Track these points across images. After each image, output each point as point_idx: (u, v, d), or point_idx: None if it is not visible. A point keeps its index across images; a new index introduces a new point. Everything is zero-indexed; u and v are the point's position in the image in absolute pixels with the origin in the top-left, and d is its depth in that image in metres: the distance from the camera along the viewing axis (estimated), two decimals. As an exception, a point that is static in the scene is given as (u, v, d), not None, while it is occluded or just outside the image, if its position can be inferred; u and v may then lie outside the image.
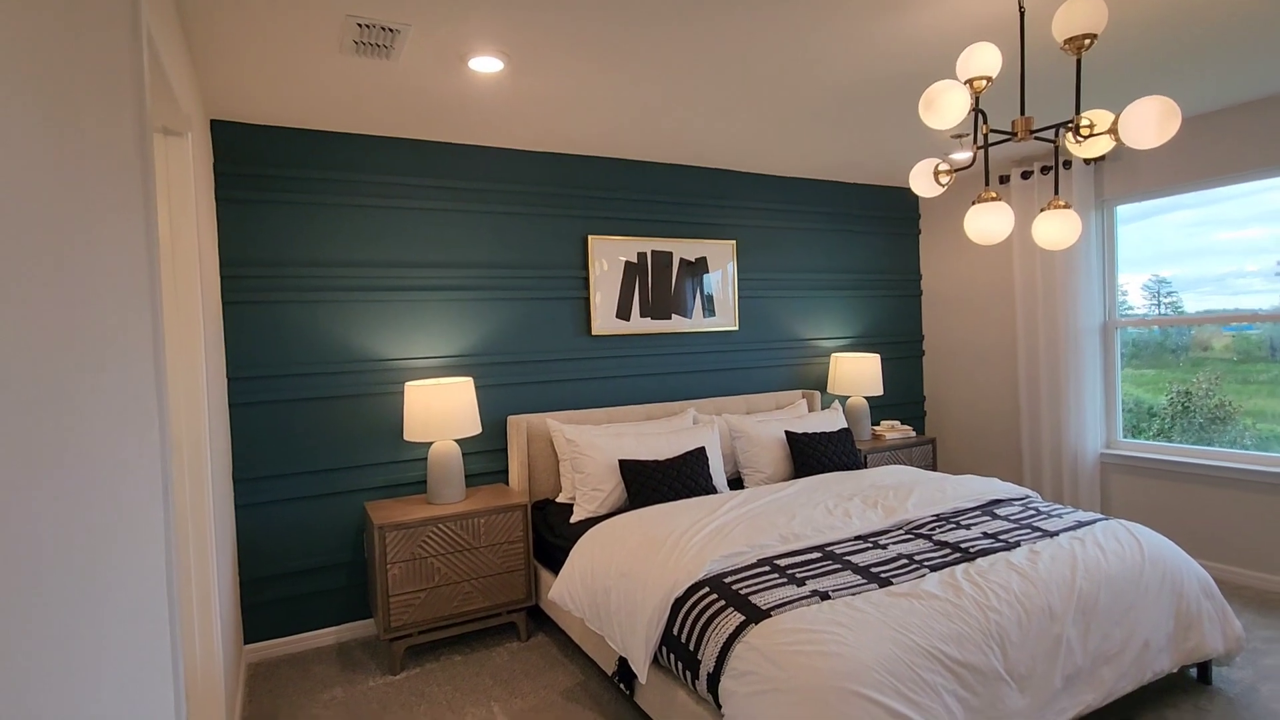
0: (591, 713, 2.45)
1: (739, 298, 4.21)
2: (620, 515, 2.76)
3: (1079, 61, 1.86)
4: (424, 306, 3.29)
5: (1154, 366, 3.82)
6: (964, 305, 4.66)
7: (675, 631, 2.05)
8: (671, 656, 2.05)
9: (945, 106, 1.86)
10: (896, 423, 4.46)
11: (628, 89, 2.71)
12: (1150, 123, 1.68)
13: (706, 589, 2.09)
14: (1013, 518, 2.63)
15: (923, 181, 2.22)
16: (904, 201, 4.88)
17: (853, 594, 1.98)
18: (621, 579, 2.32)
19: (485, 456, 3.43)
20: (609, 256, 3.70)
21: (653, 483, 3.04)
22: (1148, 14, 2.24)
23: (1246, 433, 3.44)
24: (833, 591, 2.00)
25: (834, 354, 4.42)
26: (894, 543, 2.40)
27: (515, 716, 2.44)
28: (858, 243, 4.68)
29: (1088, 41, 1.81)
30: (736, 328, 4.18)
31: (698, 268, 4.01)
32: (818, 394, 4.32)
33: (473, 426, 3.05)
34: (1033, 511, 2.70)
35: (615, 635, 2.27)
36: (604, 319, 3.69)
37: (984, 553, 2.27)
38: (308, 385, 3.05)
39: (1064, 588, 2.09)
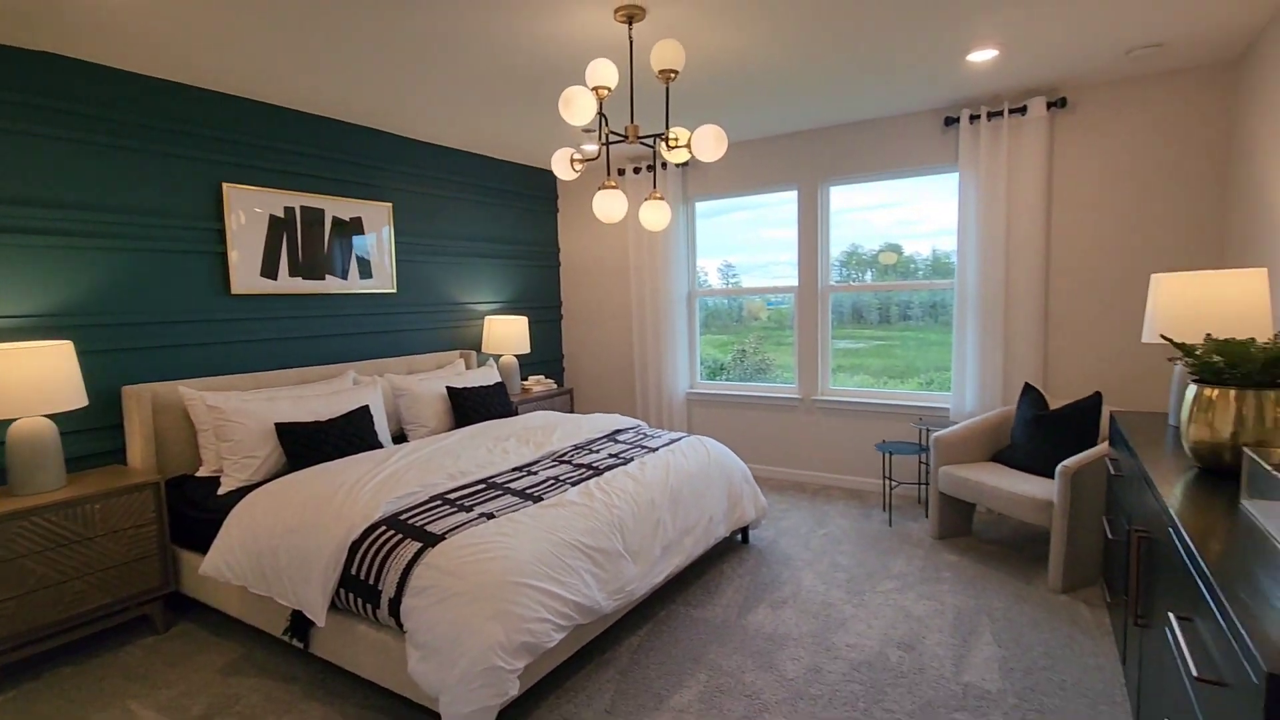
0: (259, 679, 2.43)
1: (397, 261, 4.27)
2: (281, 478, 2.72)
3: (667, 89, 2.53)
4: (-15, 254, 2.62)
5: (725, 333, 5.14)
6: (593, 275, 5.50)
7: (354, 571, 2.20)
8: (350, 596, 2.20)
9: (578, 107, 2.33)
10: (542, 377, 5.09)
11: (273, 30, 2.60)
12: (710, 142, 2.40)
13: (384, 527, 2.28)
14: (628, 441, 3.40)
15: (561, 166, 2.69)
16: (546, 182, 5.47)
17: (514, 511, 2.41)
18: (290, 534, 2.35)
19: (93, 435, 2.92)
20: (249, 209, 3.41)
21: (315, 443, 3.02)
22: (712, 66, 3.07)
23: (778, 379, 4.93)
24: (497, 511, 2.39)
25: (488, 317, 4.81)
26: (543, 469, 2.91)
27: (165, 708, 2.27)
28: (508, 216, 5.11)
29: (673, 75, 2.46)
30: (395, 290, 4.24)
31: (353, 228, 3.95)
32: (474, 353, 4.66)
33: (74, 399, 2.59)
34: (642, 435, 3.52)
35: (287, 591, 2.31)
36: (246, 277, 3.41)
37: (610, 468, 2.93)
38: None
39: (661, 485, 2.85)
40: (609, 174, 2.63)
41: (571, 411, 5.07)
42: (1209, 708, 1.18)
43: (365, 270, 4.04)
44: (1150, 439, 2.26)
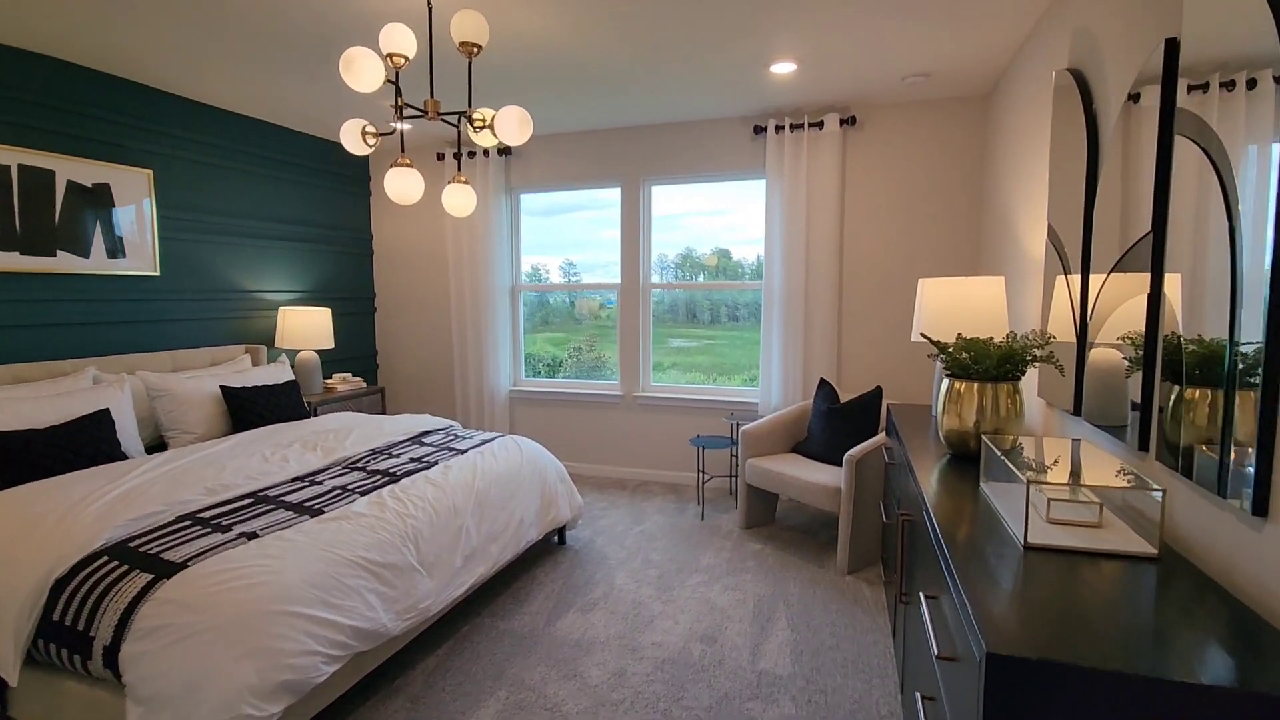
0: (-74, 758, 1.90)
1: (160, 239, 3.64)
2: (-31, 503, 2.16)
3: (470, 64, 2.35)
4: None
5: (563, 330, 5.02)
6: (410, 265, 5.12)
7: (57, 617, 1.78)
8: (53, 647, 1.78)
9: (362, 71, 2.08)
10: (348, 375, 4.63)
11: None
12: (513, 124, 2.26)
13: (105, 558, 1.88)
14: (435, 443, 3.16)
15: (352, 138, 2.41)
16: (357, 161, 4.99)
17: (285, 528, 2.10)
18: (-27, 576, 1.86)
19: None
20: (-67, 163, 2.70)
21: (30, 456, 2.45)
22: (521, 47, 2.94)
23: (612, 375, 4.90)
24: (263, 530, 2.07)
25: (283, 308, 4.28)
26: (330, 478, 2.60)
27: None
28: (311, 196, 4.58)
29: (475, 49, 2.29)
30: (158, 273, 3.61)
31: (98, 197, 3.29)
32: (264, 349, 4.12)
33: None
34: (452, 437, 3.30)
35: (-35, 647, 1.82)
36: (-73, 249, 2.69)
37: (409, 474, 2.69)
38: None
39: (466, 490, 2.67)
40: (402, 150, 2.39)
41: (382, 413, 4.67)
42: (948, 681, 1.27)
43: (117, 248, 3.39)
44: (916, 429, 2.49)
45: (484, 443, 3.19)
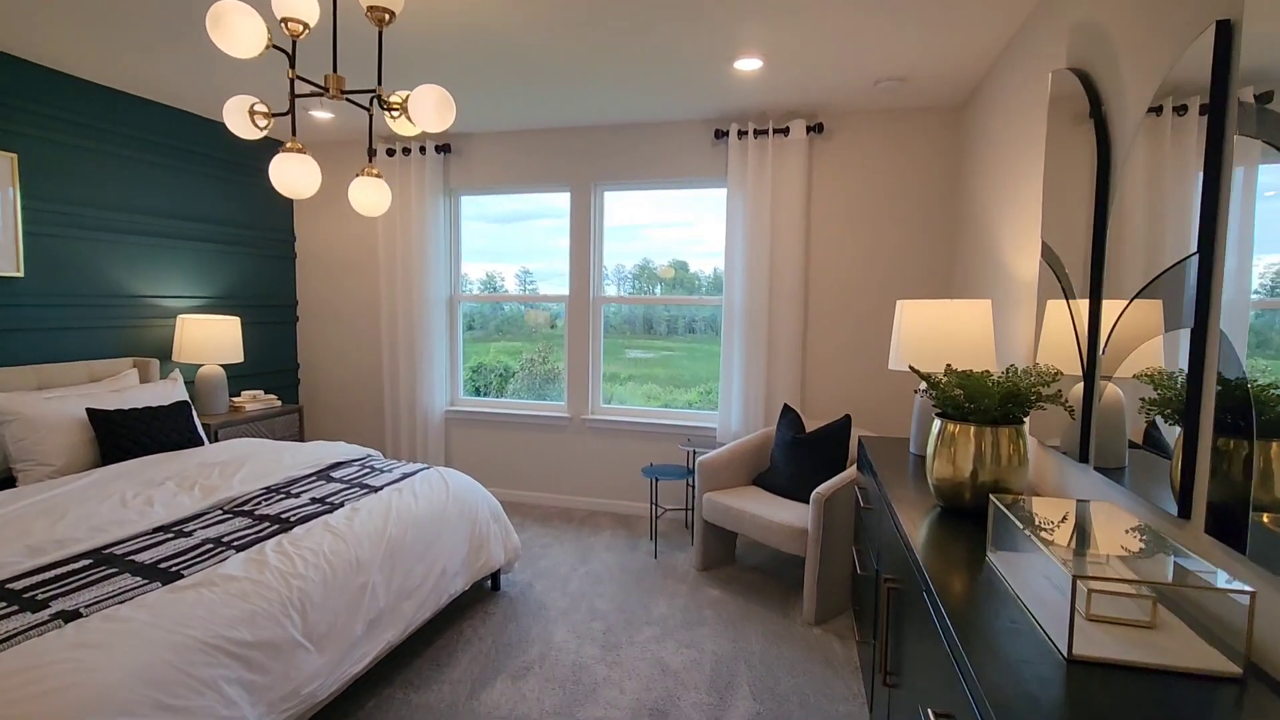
0: None
1: (25, 234, 3.11)
2: None
3: (381, 34, 1.97)
4: None
5: (519, 340, 4.62)
6: (337, 270, 4.64)
7: None
8: None
9: (234, 30, 1.68)
10: (260, 392, 4.12)
11: None
12: (431, 106, 1.88)
13: None
14: (346, 478, 2.72)
15: (238, 118, 1.99)
16: (275, 152, 4.51)
17: (120, 603, 1.65)
18: None
19: None
20: None
21: None
22: (450, 25, 2.56)
23: (564, 388, 4.52)
24: (87, 607, 1.62)
25: (182, 316, 3.76)
26: (204, 526, 2.15)
27: None
28: (221, 190, 4.08)
29: (387, 15, 1.91)
30: (20, 274, 3.08)
31: (-67, 181, 2.76)
32: (156, 362, 3.60)
33: None
34: (367, 470, 2.86)
35: None
36: None
37: (305, 519, 2.25)
38: None
39: (375, 537, 2.25)
40: (294, 134, 1.98)
41: (299, 436, 4.18)
42: None
43: (-36, 244, 2.86)
44: (894, 468, 2.19)
45: (404, 477, 2.77)
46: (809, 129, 3.63)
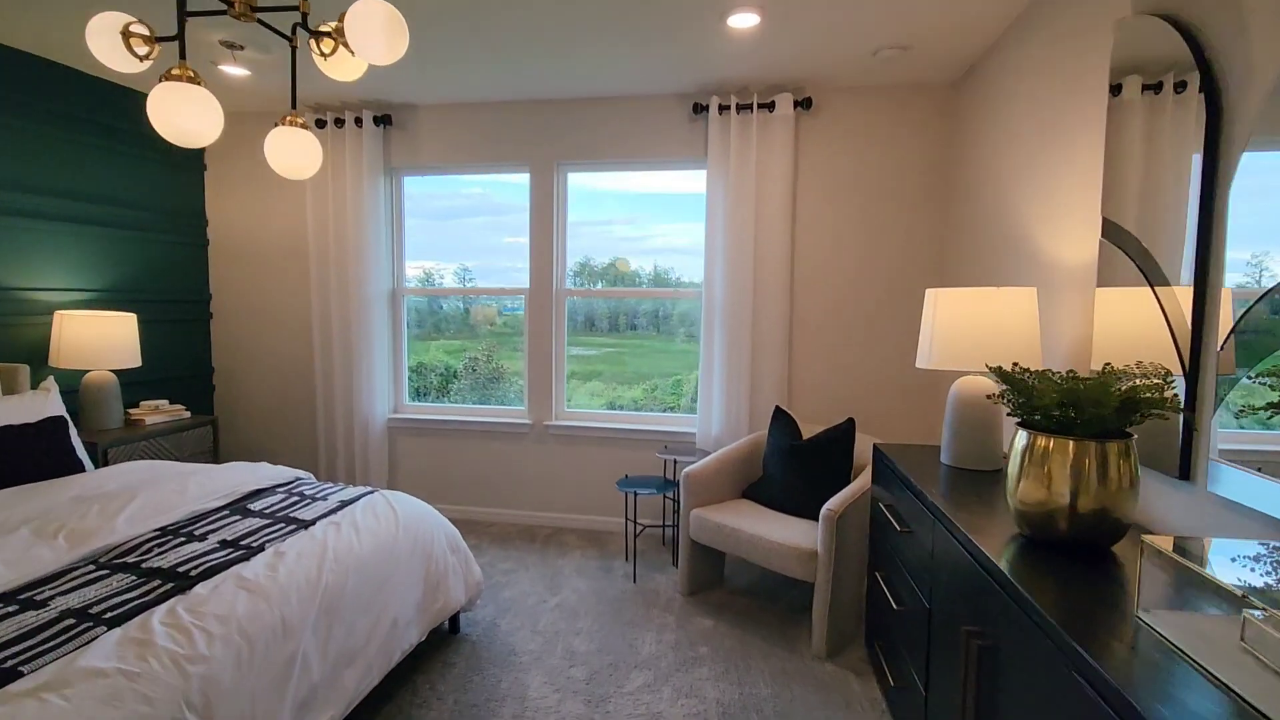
0: None
1: None
2: None
3: (308, -48, 1.50)
4: None
5: (459, 338, 4.13)
6: (259, 260, 4.04)
7: None
8: None
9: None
10: (163, 402, 3.50)
11: None
12: (377, 29, 1.42)
13: None
14: (269, 511, 2.21)
15: (106, 43, 1.48)
16: (181, 123, 3.87)
17: (-77, 722, 1.14)
18: None
19: None
20: None
21: None
22: None
23: (511, 389, 4.06)
24: None
25: (60, 312, 3.12)
26: (66, 591, 1.62)
27: None
28: (108, 161, 3.43)
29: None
30: None
31: None
32: (26, 369, 2.96)
33: None
34: (296, 498, 2.35)
35: None
36: None
37: (211, 571, 1.75)
38: None
39: (306, 589, 1.77)
40: (182, 56, 1.47)
41: (215, 454, 3.58)
42: None
43: None
44: (928, 482, 1.87)
45: (342, 506, 2.28)
46: (796, 104, 3.30)
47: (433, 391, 4.19)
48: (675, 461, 3.53)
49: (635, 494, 3.22)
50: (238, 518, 2.14)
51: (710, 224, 3.43)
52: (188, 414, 3.57)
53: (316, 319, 3.83)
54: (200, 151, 4.02)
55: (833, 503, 2.42)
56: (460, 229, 4.01)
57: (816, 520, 2.71)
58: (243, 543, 1.94)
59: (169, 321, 3.83)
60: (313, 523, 2.11)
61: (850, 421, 2.81)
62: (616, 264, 3.91)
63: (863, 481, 2.58)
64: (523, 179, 3.78)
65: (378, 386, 3.82)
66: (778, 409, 3.08)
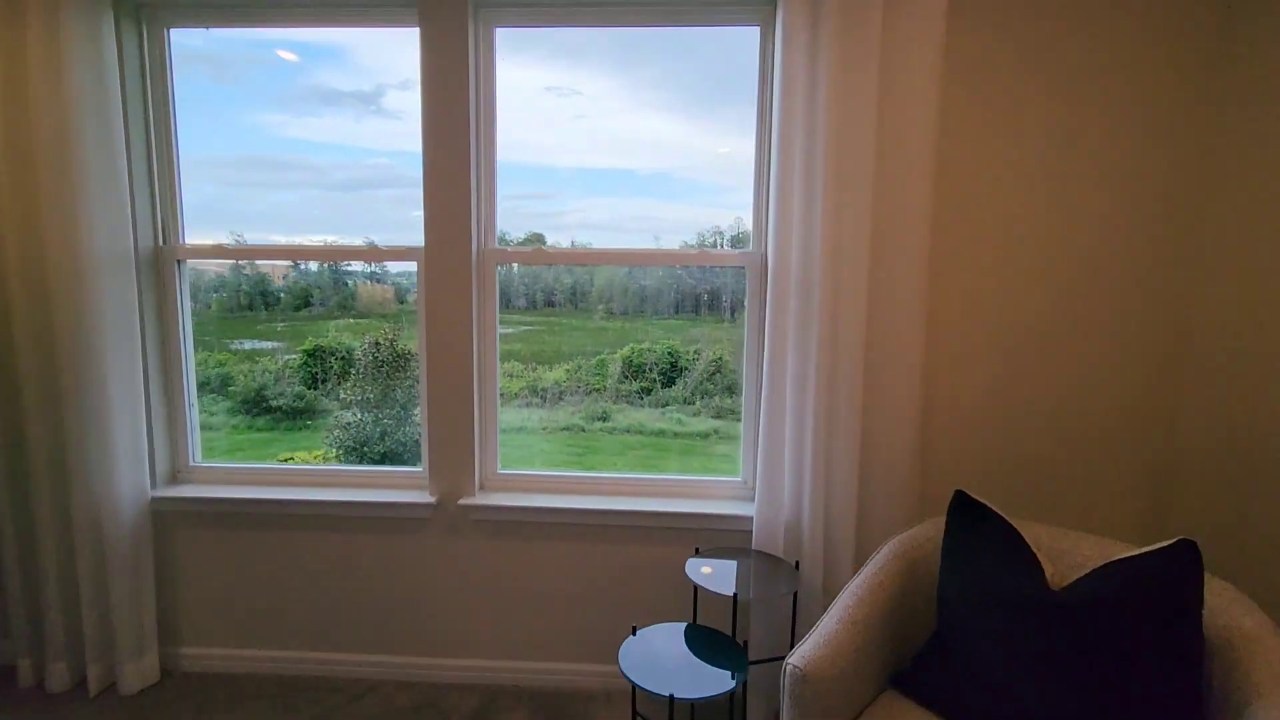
0: None
1: None
2: None
3: None
4: None
5: (366, 317, 2.51)
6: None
7: None
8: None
9: None
10: None
11: None
12: None
13: None
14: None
15: None
16: None
17: None
18: None
19: None
20: None
21: None
22: None
23: (422, 446, 2.31)
24: None
25: None
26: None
27: None
28: None
29: None
30: None
31: None
32: None
33: None
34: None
35: None
36: None
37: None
38: None
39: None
40: None
41: None
42: None
43: None
44: None
45: None
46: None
47: (331, 382, 2.41)
48: (733, 602, 1.83)
49: (673, 699, 1.50)
50: None
51: (785, 127, 1.73)
52: None
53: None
54: None
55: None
56: (367, 200, 2.17)
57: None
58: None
59: None
60: None
61: (1187, 548, 1.19)
62: (534, 240, 2.26)
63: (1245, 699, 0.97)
64: (405, 37, 1.97)
65: (118, 440, 1.93)
66: (963, 498, 1.45)
